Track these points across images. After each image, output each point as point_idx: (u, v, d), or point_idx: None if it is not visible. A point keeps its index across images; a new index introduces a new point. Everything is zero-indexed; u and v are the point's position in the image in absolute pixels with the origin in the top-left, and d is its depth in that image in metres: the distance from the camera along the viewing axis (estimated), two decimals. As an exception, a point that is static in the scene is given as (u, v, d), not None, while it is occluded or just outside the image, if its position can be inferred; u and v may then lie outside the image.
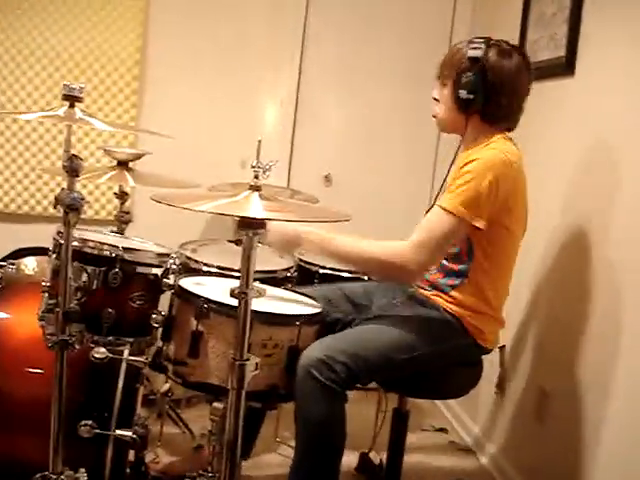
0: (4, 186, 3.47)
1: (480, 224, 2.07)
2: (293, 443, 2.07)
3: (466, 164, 2.11)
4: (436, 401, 3.65)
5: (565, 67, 2.67)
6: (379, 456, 2.81)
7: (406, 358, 2.10)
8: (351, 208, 1.77)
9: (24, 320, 2.25)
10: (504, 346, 2.95)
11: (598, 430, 2.27)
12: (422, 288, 2.32)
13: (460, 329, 2.22)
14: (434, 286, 2.28)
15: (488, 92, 2.17)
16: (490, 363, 2.83)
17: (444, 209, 2.07)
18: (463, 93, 2.18)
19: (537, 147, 2.71)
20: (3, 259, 2.78)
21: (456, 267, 2.23)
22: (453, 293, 2.24)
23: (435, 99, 2.29)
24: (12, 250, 3.05)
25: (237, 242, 1.64)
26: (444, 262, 2.25)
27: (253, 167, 1.65)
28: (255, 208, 1.60)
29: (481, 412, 3.25)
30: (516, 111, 2.25)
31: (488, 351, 2.31)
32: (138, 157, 2.76)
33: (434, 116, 2.32)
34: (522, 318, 2.86)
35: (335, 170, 3.72)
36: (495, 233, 2.15)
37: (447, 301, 2.24)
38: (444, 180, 2.28)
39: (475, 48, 2.18)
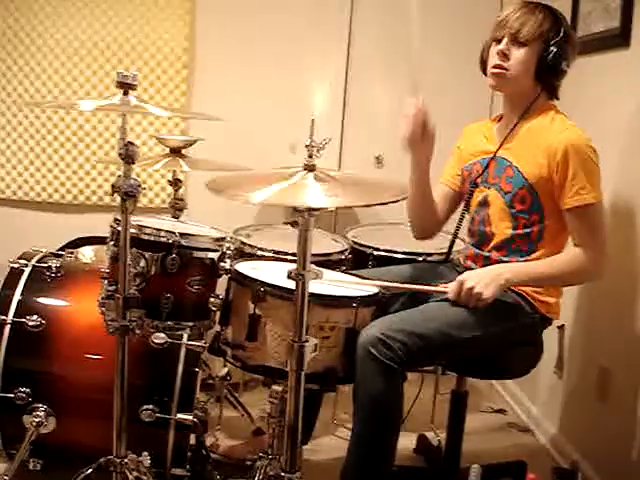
0: (60, 177, 3.52)
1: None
2: (351, 425, 2.07)
3: (566, 153, 2.10)
4: (494, 382, 3.62)
5: (620, 39, 2.60)
6: (437, 437, 2.80)
7: (468, 337, 2.07)
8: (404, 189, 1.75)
9: (83, 307, 2.30)
10: (563, 325, 2.91)
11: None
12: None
13: (526, 307, 2.21)
14: (492, 264, 2.26)
15: (570, 64, 2.18)
16: (549, 342, 2.79)
17: (594, 203, 2.11)
18: (564, 63, 2.16)
19: (590, 121, 2.64)
20: (61, 249, 2.83)
21: (525, 247, 2.22)
22: None
23: (504, 54, 2.20)
24: (69, 240, 3.10)
25: (293, 224, 1.63)
26: (511, 242, 2.23)
27: (307, 146, 1.64)
28: (312, 192, 1.59)
29: (540, 392, 3.21)
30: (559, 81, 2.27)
31: (551, 323, 2.31)
32: (190, 144, 2.78)
33: (500, 70, 2.21)
34: (580, 296, 2.81)
35: (386, 151, 3.70)
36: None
37: None
38: (498, 148, 2.28)
39: (558, 15, 2.18)
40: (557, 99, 2.28)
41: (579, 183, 2.10)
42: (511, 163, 2.22)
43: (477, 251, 2.33)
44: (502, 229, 2.25)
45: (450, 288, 2.09)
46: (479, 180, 2.31)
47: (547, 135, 2.16)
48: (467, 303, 2.07)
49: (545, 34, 2.15)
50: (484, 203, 2.30)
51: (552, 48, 2.15)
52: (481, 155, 2.34)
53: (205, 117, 2.09)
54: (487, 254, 2.29)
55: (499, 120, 2.39)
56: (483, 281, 2.06)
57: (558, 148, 2.11)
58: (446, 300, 2.14)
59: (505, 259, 2.24)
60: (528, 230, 2.20)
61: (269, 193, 1.62)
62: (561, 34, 2.15)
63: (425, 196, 2.39)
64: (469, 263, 2.36)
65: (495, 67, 2.22)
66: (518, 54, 2.18)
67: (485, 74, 2.29)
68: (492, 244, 2.28)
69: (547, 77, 2.20)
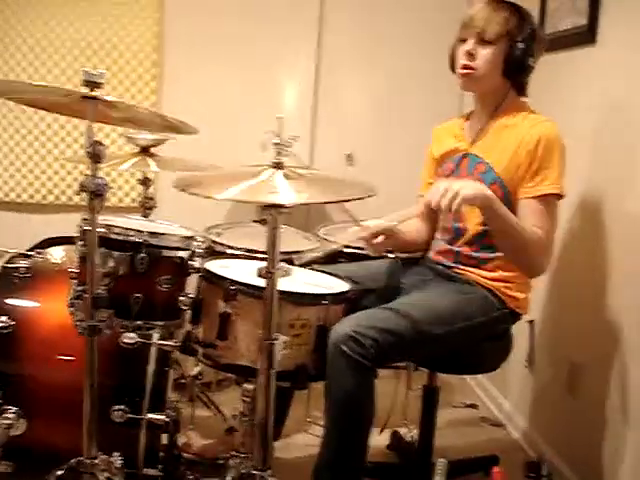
0: (28, 177, 3.49)
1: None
2: (323, 422, 2.07)
3: (537, 143, 2.13)
4: (466, 378, 3.64)
5: (587, 35, 2.62)
6: (410, 433, 2.81)
7: (438, 333, 2.09)
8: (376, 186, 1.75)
9: (53, 308, 2.27)
10: (533, 320, 2.93)
11: (630, 401, 2.25)
12: (447, 267, 2.33)
13: (496, 302, 2.23)
14: (461, 260, 2.29)
15: (537, 60, 2.20)
16: (519, 337, 2.82)
17: (554, 195, 2.14)
18: (530, 60, 2.19)
19: (557, 117, 2.67)
20: (30, 249, 2.80)
21: (494, 240, 2.23)
22: (487, 265, 2.25)
23: (470, 54, 2.22)
24: (38, 240, 3.07)
25: (262, 221, 1.63)
26: (481, 237, 2.25)
27: (275, 144, 1.64)
28: (281, 189, 1.59)
29: (511, 387, 3.23)
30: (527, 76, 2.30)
31: (520, 318, 2.33)
32: (160, 142, 2.76)
33: (468, 70, 2.22)
34: (550, 291, 2.83)
35: (358, 149, 3.69)
36: None
37: (480, 275, 2.24)
38: (470, 146, 2.30)
39: (524, 12, 2.20)
40: (525, 96, 2.30)
41: (548, 173, 2.13)
42: (482, 159, 2.24)
43: (448, 247, 2.35)
44: (474, 224, 2.26)
45: (430, 193, 1.99)
46: (452, 178, 2.33)
47: (519, 130, 2.19)
48: (442, 197, 1.94)
49: (510, 32, 2.17)
50: None
51: (518, 45, 2.17)
52: (452, 154, 2.36)
53: (174, 129, 2.06)
54: (458, 249, 2.30)
55: (468, 118, 2.40)
56: (466, 183, 2.00)
57: (531, 139, 2.14)
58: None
59: (475, 254, 2.26)
60: None
61: (236, 190, 1.62)
62: (527, 31, 2.18)
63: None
64: (440, 258, 2.37)
65: (463, 67, 2.23)
66: (484, 53, 2.20)
67: (453, 71, 2.31)
68: (464, 239, 2.30)
69: (515, 74, 2.22)
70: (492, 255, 2.24)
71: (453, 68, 2.31)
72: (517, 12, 2.20)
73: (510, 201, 2.18)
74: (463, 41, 2.24)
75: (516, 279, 2.25)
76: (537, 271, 2.21)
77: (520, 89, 2.29)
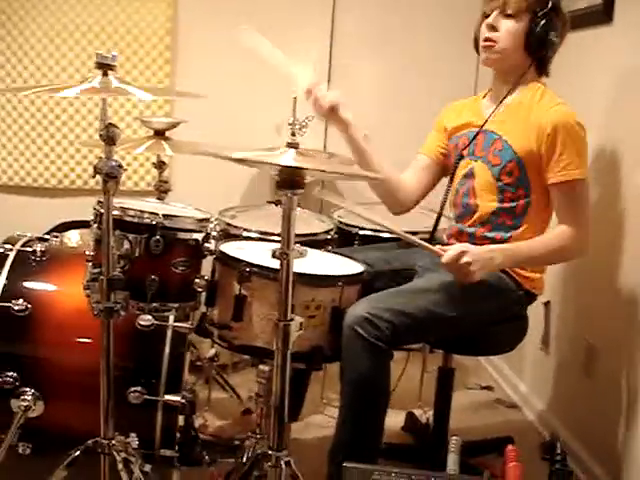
0: (44, 161, 3.50)
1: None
2: (339, 404, 2.08)
3: (555, 130, 2.12)
4: (481, 360, 3.64)
5: (603, 15, 2.60)
6: (426, 415, 2.82)
7: (454, 315, 2.09)
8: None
9: (70, 291, 2.28)
10: (549, 302, 2.93)
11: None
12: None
13: (511, 283, 2.22)
14: (476, 241, 2.26)
15: (561, 37, 2.18)
16: (535, 319, 2.81)
17: (580, 180, 2.13)
18: (552, 35, 2.16)
19: (572, 97, 2.65)
20: (46, 233, 2.81)
21: (510, 221, 2.23)
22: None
23: (493, 27, 2.21)
24: (55, 224, 3.09)
25: (277, 202, 1.63)
26: (495, 217, 2.24)
27: (290, 124, 1.64)
28: (290, 160, 1.59)
29: (527, 369, 3.23)
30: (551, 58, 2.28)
31: (536, 299, 2.33)
32: (174, 126, 2.76)
33: (490, 42, 2.21)
34: (566, 272, 2.82)
35: (372, 130, 3.68)
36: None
37: None
38: (486, 121, 2.28)
39: None
40: (547, 76, 2.28)
41: (567, 159, 2.11)
42: (500, 136, 2.23)
43: (460, 227, 2.34)
44: (487, 202, 2.25)
45: (448, 253, 2.03)
46: (465, 152, 2.32)
47: (537, 110, 2.18)
48: (456, 273, 2.04)
49: (532, 6, 2.16)
50: (469, 175, 2.30)
51: (540, 20, 2.15)
52: (467, 128, 2.35)
53: (185, 95, 2.06)
54: (471, 230, 2.29)
55: (485, 95, 2.39)
56: (480, 262, 2.03)
57: (547, 124, 2.12)
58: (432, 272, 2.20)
59: (490, 235, 2.25)
60: (513, 204, 2.21)
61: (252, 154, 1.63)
62: (549, 6, 2.15)
63: (369, 165, 2.37)
64: (452, 241, 2.36)
65: (485, 40, 2.22)
66: (506, 26, 2.19)
67: (478, 52, 2.29)
68: (475, 217, 2.28)
69: (536, 49, 2.20)
70: (507, 235, 2.23)
71: (477, 47, 2.30)
72: None
73: (528, 179, 2.17)
74: (486, 16, 2.23)
75: None
76: (580, 257, 2.26)
77: (541, 67, 2.26)
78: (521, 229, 2.22)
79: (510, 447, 1.50)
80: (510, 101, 2.26)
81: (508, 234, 2.23)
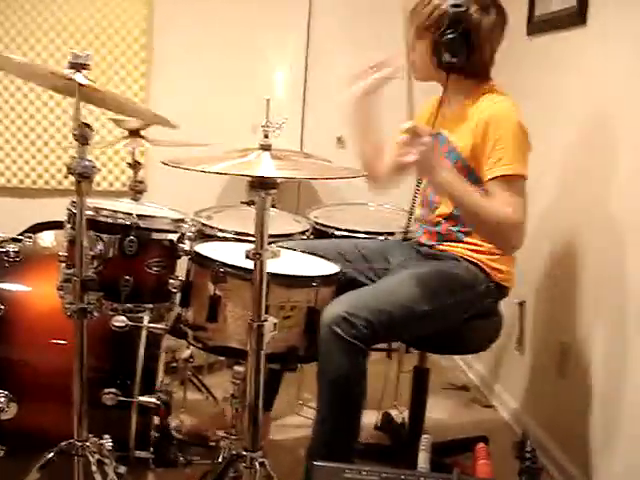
0: (18, 162, 3.48)
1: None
2: (315, 404, 2.08)
3: (487, 125, 2.11)
4: (457, 360, 3.66)
5: (577, 17, 2.62)
6: (401, 415, 2.82)
7: (429, 310, 2.10)
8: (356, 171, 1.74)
9: (44, 292, 2.27)
10: (524, 302, 2.95)
11: (620, 383, 2.26)
12: (432, 246, 2.34)
13: (480, 274, 2.24)
14: (445, 237, 2.30)
15: (470, 52, 2.15)
16: (509, 319, 2.83)
17: (513, 175, 2.08)
18: (446, 56, 2.16)
19: (547, 98, 2.68)
20: (20, 234, 2.79)
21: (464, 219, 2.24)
22: (467, 239, 2.26)
23: (413, 47, 2.23)
24: (29, 225, 3.07)
25: (249, 203, 1.63)
26: (456, 212, 2.25)
27: (263, 126, 1.64)
28: (266, 167, 1.59)
29: (502, 369, 3.25)
30: (492, 63, 2.26)
31: (507, 293, 2.33)
32: (149, 125, 2.75)
33: (412, 62, 2.20)
34: (541, 273, 2.85)
35: (348, 132, 3.68)
36: None
37: (463, 249, 2.26)
38: (433, 125, 2.29)
39: (457, 5, 2.13)
40: (487, 79, 2.26)
41: (500, 154, 2.09)
42: (446, 139, 2.26)
43: (428, 227, 2.37)
44: (446, 201, 2.27)
45: (416, 123, 1.98)
46: None
47: (476, 110, 2.19)
48: (406, 144, 1.95)
49: (434, 24, 2.16)
50: None
51: (442, 36, 2.14)
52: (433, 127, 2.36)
53: (157, 121, 2.05)
54: (437, 228, 2.32)
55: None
56: (426, 159, 1.95)
57: (481, 120, 2.13)
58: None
59: (454, 228, 2.28)
60: None
61: (224, 165, 1.61)
62: (449, 21, 2.13)
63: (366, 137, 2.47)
64: (423, 239, 2.39)
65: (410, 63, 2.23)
66: (418, 47, 2.22)
67: None
68: (438, 213, 2.31)
69: (446, 67, 2.19)
70: (470, 228, 2.25)
71: None
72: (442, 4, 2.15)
73: (477, 178, 2.16)
74: None
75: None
76: (509, 246, 2.14)
77: (478, 74, 2.24)
78: None
79: (480, 445, 1.51)
80: (456, 106, 2.27)
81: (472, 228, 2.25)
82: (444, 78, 2.23)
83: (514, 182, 2.09)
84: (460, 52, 2.14)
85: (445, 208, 2.28)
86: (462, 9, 2.12)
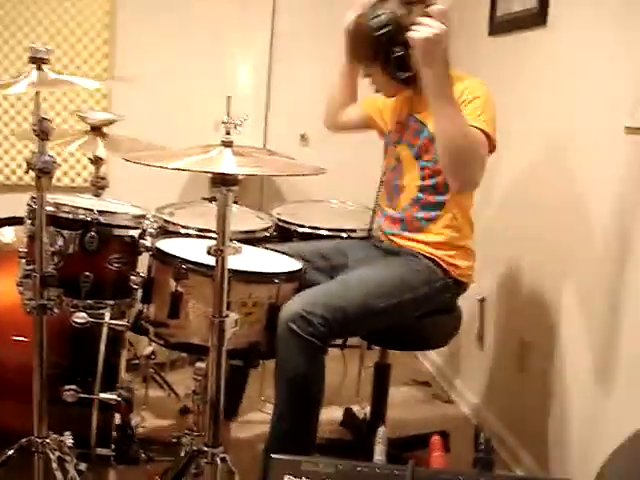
0: (-22, 157, 3.44)
1: (494, 146, 2.17)
2: (276, 401, 2.09)
3: (461, 93, 2.14)
4: (418, 356, 3.70)
5: (537, 17, 2.66)
6: (363, 410, 2.85)
7: (385, 305, 2.13)
8: (328, 168, 1.75)
9: (4, 288, 2.25)
10: (484, 298, 2.99)
11: (576, 379, 2.31)
12: (393, 235, 2.36)
13: (438, 270, 2.27)
14: (407, 225, 2.33)
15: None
16: (470, 315, 2.87)
17: (477, 128, 2.10)
18: (400, 74, 2.20)
19: (510, 97, 2.71)
20: (-20, 230, 2.77)
21: (433, 199, 2.28)
22: (432, 227, 2.29)
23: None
24: (-12, 220, 3.03)
25: (211, 200, 1.63)
26: (420, 195, 2.29)
27: (224, 123, 1.64)
28: (228, 163, 1.59)
29: (462, 365, 3.29)
30: None
31: (465, 288, 2.36)
32: (111, 122, 2.73)
33: (376, 91, 2.36)
34: (501, 270, 2.88)
35: (311, 129, 3.70)
36: None
37: (422, 243, 2.29)
38: (409, 110, 2.34)
39: (383, 26, 2.14)
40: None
41: (477, 111, 2.13)
42: (417, 118, 2.30)
43: (392, 213, 2.39)
44: (411, 181, 2.31)
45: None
46: (395, 140, 2.40)
47: None
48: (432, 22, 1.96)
49: (376, 52, 2.19)
50: (397, 159, 2.37)
51: (390, 60, 2.17)
52: (397, 118, 2.41)
53: (119, 79, 2.05)
54: (401, 215, 2.35)
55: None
56: (439, 37, 1.95)
57: (457, 91, 2.12)
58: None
59: (419, 215, 2.31)
60: (433, 181, 2.26)
61: (186, 162, 1.62)
62: (388, 42, 2.14)
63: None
64: (386, 227, 2.41)
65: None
66: (372, 75, 2.30)
67: None
68: (402, 197, 2.34)
69: (407, 81, 2.22)
70: (434, 214, 2.28)
71: None
72: (370, 33, 2.17)
73: None
74: None
75: (460, 243, 2.30)
76: (471, 173, 2.12)
77: None
78: (446, 206, 2.27)
79: (435, 437, 1.53)
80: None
81: (435, 212, 2.28)
82: (411, 89, 2.28)
83: (478, 134, 2.11)
84: (411, 63, 2.13)
85: (410, 191, 2.31)
86: (389, 27, 2.13)
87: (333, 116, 2.70)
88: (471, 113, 2.12)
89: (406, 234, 2.33)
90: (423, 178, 2.28)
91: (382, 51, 2.17)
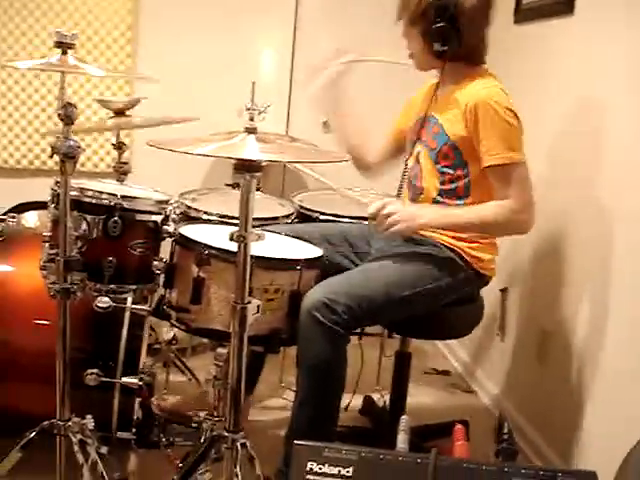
0: (2, 141, 3.46)
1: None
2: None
3: (476, 109, 2.12)
4: (438, 345, 3.68)
5: (564, 6, 2.63)
6: (383, 399, 2.85)
7: (408, 295, 2.12)
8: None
9: (28, 272, 2.26)
10: (506, 288, 2.97)
11: (597, 369, 2.29)
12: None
13: (460, 262, 2.25)
14: None
15: (460, 38, 2.16)
16: (491, 305, 2.86)
17: (508, 164, 2.12)
18: (437, 46, 2.18)
19: (534, 87, 2.69)
20: (4, 214, 2.78)
21: (453, 202, 2.26)
22: None
23: (406, 37, 2.28)
24: (13, 205, 3.05)
25: (234, 186, 1.63)
26: (439, 198, 2.27)
27: (248, 109, 1.64)
28: (251, 150, 1.59)
29: (483, 354, 3.28)
30: (485, 45, 2.28)
31: (487, 282, 2.35)
32: (133, 105, 2.73)
33: (410, 55, 2.31)
34: (523, 260, 2.86)
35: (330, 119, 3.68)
36: None
37: (445, 235, 2.27)
38: (428, 108, 2.32)
39: None
40: (480, 64, 2.29)
41: (489, 143, 2.12)
42: (437, 120, 2.27)
43: None
44: (430, 184, 2.29)
45: (374, 204, 2.13)
46: (415, 137, 2.36)
47: (465, 95, 2.19)
48: (379, 224, 2.12)
49: (423, 16, 2.17)
50: (418, 159, 2.35)
51: (433, 30, 2.16)
52: (419, 113, 2.38)
53: (141, 77, 2.05)
54: None
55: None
56: (403, 216, 2.11)
57: (469, 105, 2.14)
58: (388, 257, 2.23)
59: None
60: (453, 185, 2.24)
61: (210, 148, 1.62)
62: (442, 5, 2.15)
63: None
64: None
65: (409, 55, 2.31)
66: (412, 39, 2.26)
67: None
68: (422, 199, 2.31)
69: (440, 55, 2.21)
70: (458, 204, 2.26)
71: None
72: None
73: (464, 161, 2.20)
74: None
75: (481, 239, 2.28)
76: (524, 230, 2.20)
77: (471, 58, 2.26)
78: (468, 205, 2.25)
79: (458, 426, 1.53)
80: (450, 89, 2.27)
81: (458, 203, 2.26)
82: (441, 65, 2.26)
83: (508, 169, 2.12)
84: (450, 40, 2.16)
85: (429, 194, 2.29)
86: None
87: (367, 170, 2.64)
88: (494, 147, 2.12)
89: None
90: (443, 183, 2.26)
91: (428, 16, 2.16)
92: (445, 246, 2.26)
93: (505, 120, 2.12)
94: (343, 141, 2.56)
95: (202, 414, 2.11)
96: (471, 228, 2.20)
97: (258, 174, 1.61)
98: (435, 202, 2.28)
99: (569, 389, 2.43)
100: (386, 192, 2.82)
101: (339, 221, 2.70)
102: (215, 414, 2.13)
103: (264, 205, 2.75)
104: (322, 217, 2.73)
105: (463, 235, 2.25)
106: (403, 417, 1.46)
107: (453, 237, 2.26)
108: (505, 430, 1.37)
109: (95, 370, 2.14)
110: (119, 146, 2.84)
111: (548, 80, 2.74)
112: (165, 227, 2.21)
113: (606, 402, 2.23)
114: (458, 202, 2.25)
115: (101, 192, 2.18)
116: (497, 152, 2.11)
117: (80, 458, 1.90)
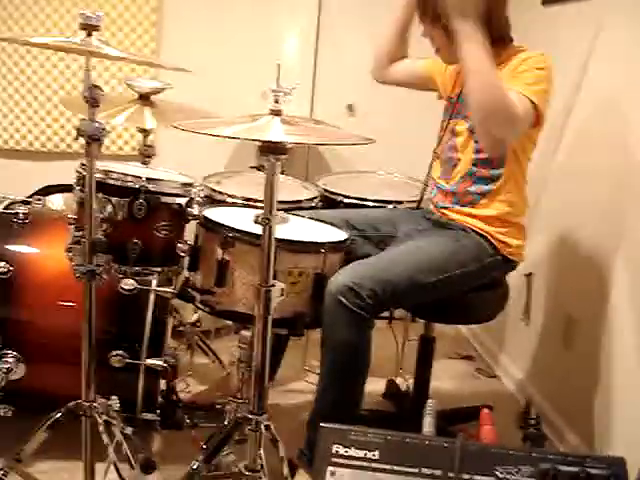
0: (27, 124, 3.47)
1: (542, 120, 2.12)
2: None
3: (524, 62, 2.11)
4: (462, 330, 3.67)
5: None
6: (406, 383, 2.84)
7: (434, 281, 2.11)
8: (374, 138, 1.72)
9: (53, 254, 2.28)
10: (531, 273, 2.95)
11: (624, 356, 2.27)
12: (445, 208, 2.34)
13: (488, 247, 2.24)
14: (460, 199, 2.30)
15: (485, 26, 2.09)
16: (517, 290, 2.83)
17: (526, 96, 2.06)
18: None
19: (564, 68, 2.64)
20: (30, 196, 2.79)
21: (487, 173, 2.24)
22: (482, 201, 2.26)
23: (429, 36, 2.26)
24: (38, 188, 3.07)
25: (259, 168, 1.63)
26: (474, 168, 2.26)
27: (273, 91, 1.63)
28: (276, 132, 1.58)
29: (507, 339, 3.26)
30: (509, 23, 2.25)
31: (514, 267, 2.34)
32: (160, 90, 2.73)
33: (436, 51, 2.30)
34: (549, 245, 2.84)
35: (359, 99, 3.67)
36: (528, 139, 2.21)
37: (474, 217, 2.26)
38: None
39: None
40: (510, 41, 2.27)
41: (520, 77, 2.10)
42: None
43: (444, 186, 2.36)
44: (465, 154, 2.28)
45: None
46: (451, 112, 2.36)
47: (509, 68, 2.16)
48: None
49: (443, 10, 2.11)
50: (453, 133, 2.34)
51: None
52: (454, 90, 2.38)
53: (166, 67, 2.05)
54: (454, 188, 2.32)
55: None
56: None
57: (516, 62, 2.13)
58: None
59: (472, 189, 2.28)
60: (488, 154, 2.22)
61: (234, 130, 1.62)
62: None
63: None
64: (438, 200, 2.39)
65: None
66: (436, 35, 2.23)
67: None
68: (456, 170, 2.31)
69: None
70: (487, 188, 2.25)
71: None
72: None
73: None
74: None
75: (513, 219, 2.27)
76: (509, 119, 2.04)
77: (497, 43, 2.17)
78: (500, 181, 2.24)
79: (485, 411, 1.52)
80: None
81: (488, 187, 2.25)
82: None
83: (528, 103, 2.06)
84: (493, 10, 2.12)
85: (464, 166, 2.28)
86: None
87: (382, 67, 2.65)
88: (524, 80, 2.08)
89: (458, 208, 2.31)
90: (478, 151, 2.24)
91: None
92: (474, 231, 2.25)
93: (544, 71, 2.12)
94: (385, 40, 2.62)
95: (226, 397, 2.12)
96: (479, 67, 2.02)
97: (283, 156, 1.60)
98: (470, 173, 2.27)
99: (595, 376, 2.41)
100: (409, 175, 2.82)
101: (363, 205, 2.69)
102: (239, 396, 2.14)
103: (288, 188, 2.75)
104: (346, 200, 2.73)
105: (491, 213, 2.25)
106: (430, 401, 1.45)
107: (481, 220, 2.25)
108: (532, 415, 1.36)
109: (120, 352, 2.16)
110: (144, 129, 2.85)
111: (576, 62, 2.70)
112: (190, 210, 2.21)
113: (632, 389, 2.21)
114: (493, 172, 2.24)
115: (126, 174, 2.18)
116: (523, 85, 2.08)
117: (105, 439, 1.91)
